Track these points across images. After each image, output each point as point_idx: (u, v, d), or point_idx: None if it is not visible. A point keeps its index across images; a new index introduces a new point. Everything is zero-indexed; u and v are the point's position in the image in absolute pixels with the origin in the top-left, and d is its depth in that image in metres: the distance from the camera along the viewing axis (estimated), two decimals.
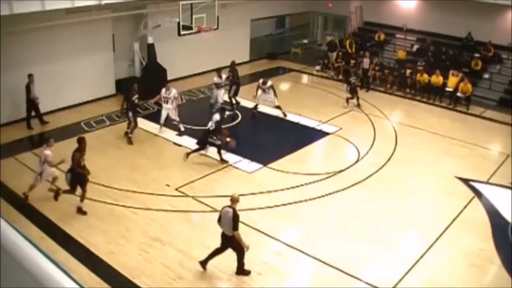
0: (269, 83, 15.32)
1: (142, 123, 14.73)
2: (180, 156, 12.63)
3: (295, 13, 24.48)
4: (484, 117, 16.55)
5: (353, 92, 16.48)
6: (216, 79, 15.52)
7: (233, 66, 16.04)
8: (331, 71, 20.43)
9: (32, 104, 13.90)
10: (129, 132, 13.37)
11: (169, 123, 14.11)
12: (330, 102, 17.16)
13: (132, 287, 7.85)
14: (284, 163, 12.22)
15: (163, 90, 13.93)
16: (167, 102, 13.88)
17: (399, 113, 15.50)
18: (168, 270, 8.26)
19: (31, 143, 13.27)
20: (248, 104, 16.06)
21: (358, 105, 16.44)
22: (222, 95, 15.56)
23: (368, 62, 18.51)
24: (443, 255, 9.03)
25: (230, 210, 7.69)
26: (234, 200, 7.82)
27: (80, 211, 9.92)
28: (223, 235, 7.94)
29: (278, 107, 15.40)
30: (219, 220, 7.96)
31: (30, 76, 13.64)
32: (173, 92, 13.88)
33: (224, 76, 15.60)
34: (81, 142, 9.83)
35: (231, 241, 7.84)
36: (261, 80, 15.50)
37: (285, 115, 15.46)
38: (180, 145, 13.17)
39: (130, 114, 13.27)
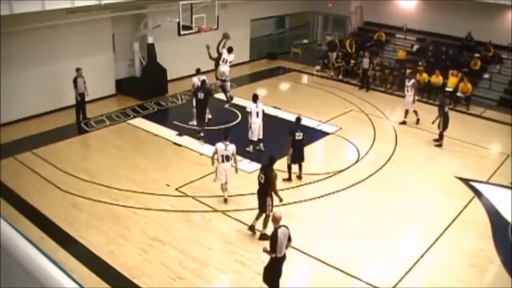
0: (413, 80, 14.45)
1: (142, 123, 14.75)
2: (180, 156, 12.65)
3: (295, 13, 24.48)
4: (484, 117, 16.55)
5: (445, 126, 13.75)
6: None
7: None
8: (331, 71, 20.42)
9: (81, 97, 14.12)
10: None
11: (169, 123, 14.08)
12: (330, 102, 17.16)
13: (132, 287, 7.86)
14: (284, 163, 12.20)
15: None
16: None
17: (399, 113, 15.49)
18: (168, 270, 8.26)
19: (30, 144, 13.23)
20: (246, 103, 15.98)
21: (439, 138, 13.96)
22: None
23: (368, 62, 18.49)
24: (443, 255, 9.03)
25: (286, 228, 7.26)
26: (279, 220, 7.26)
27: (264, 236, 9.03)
28: (282, 258, 7.42)
29: (415, 112, 14.71)
30: (277, 245, 7.15)
31: (78, 70, 13.84)
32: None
33: None
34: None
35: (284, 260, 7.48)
36: (407, 80, 14.70)
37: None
38: (180, 145, 13.16)
39: None
